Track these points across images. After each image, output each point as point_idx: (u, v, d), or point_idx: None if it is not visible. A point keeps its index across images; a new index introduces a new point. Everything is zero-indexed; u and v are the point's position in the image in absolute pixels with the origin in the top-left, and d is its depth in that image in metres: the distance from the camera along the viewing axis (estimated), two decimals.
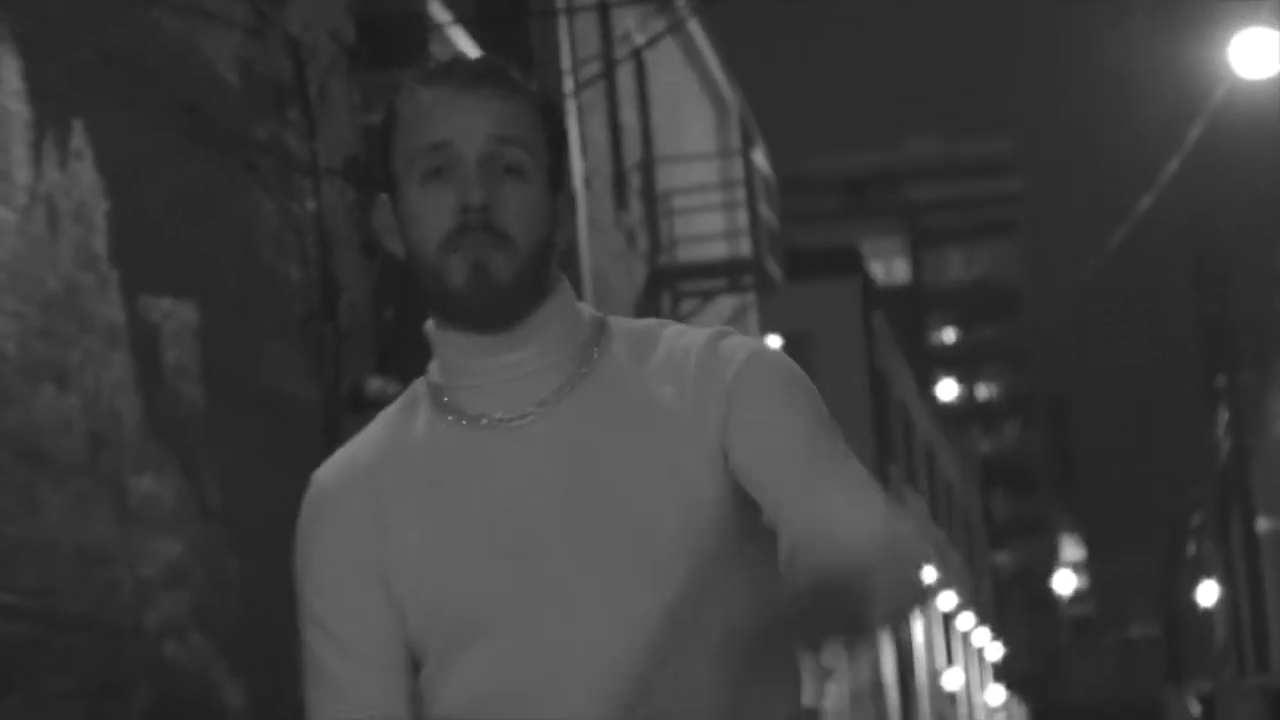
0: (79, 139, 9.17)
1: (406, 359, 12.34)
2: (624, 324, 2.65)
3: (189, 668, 9.62)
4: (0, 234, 8.43)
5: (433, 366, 2.66)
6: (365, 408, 11.88)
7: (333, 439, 11.66)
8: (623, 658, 2.52)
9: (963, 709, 61.52)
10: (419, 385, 2.68)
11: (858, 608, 2.46)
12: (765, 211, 21.84)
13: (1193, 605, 60.25)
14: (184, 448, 9.80)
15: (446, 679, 2.60)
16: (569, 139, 2.59)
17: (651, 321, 2.67)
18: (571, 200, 2.64)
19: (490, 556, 2.54)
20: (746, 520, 2.59)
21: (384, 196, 2.58)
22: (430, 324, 2.64)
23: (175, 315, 9.94)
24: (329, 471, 2.70)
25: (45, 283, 8.75)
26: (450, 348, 2.60)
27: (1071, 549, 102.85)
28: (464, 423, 2.59)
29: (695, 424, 2.57)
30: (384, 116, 2.58)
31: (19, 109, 8.66)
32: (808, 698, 2.72)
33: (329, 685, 2.72)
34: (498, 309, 2.54)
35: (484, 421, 2.58)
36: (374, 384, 11.97)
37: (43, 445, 8.55)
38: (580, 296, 2.96)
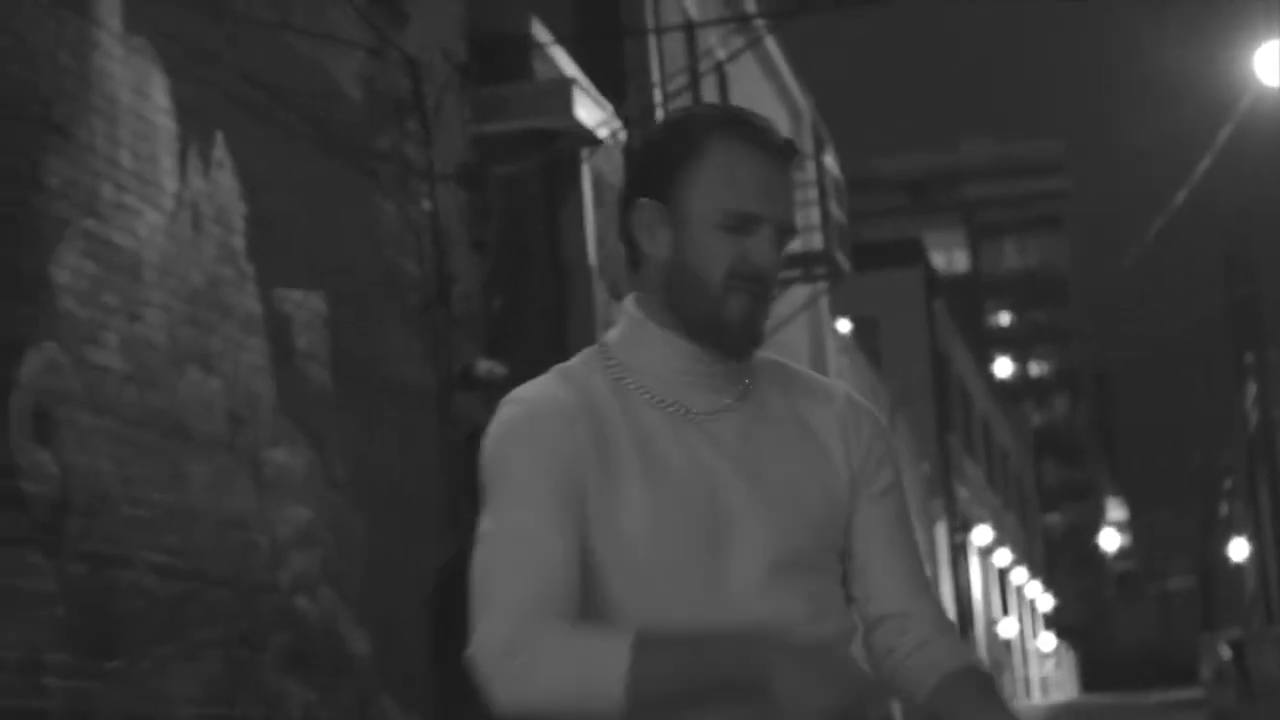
0: (220, 150, 9.21)
1: (512, 343, 12.35)
2: (758, 357, 2.84)
3: (319, 620, 9.65)
4: (150, 235, 8.47)
5: (613, 339, 2.79)
6: (474, 387, 11.90)
7: (445, 415, 11.69)
8: (771, 616, 2.70)
9: (1017, 655, 61.21)
10: (590, 357, 2.78)
11: None
12: (835, 209, 21.75)
13: (1225, 560, 59.79)
14: (313, 425, 9.82)
15: (634, 616, 2.67)
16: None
17: (773, 356, 2.90)
18: None
19: (690, 517, 2.69)
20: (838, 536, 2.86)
21: (648, 201, 2.71)
22: (639, 310, 2.77)
23: (306, 306, 9.97)
24: (534, 395, 2.73)
25: (190, 278, 8.78)
26: (665, 345, 2.76)
27: (1116, 510, 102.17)
28: (665, 408, 2.74)
29: (838, 449, 2.83)
30: (677, 136, 2.71)
31: (167, 124, 8.70)
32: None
33: (513, 566, 2.66)
34: (747, 349, 2.75)
35: (681, 411, 2.74)
36: (483, 365, 11.98)
37: (188, 423, 8.59)
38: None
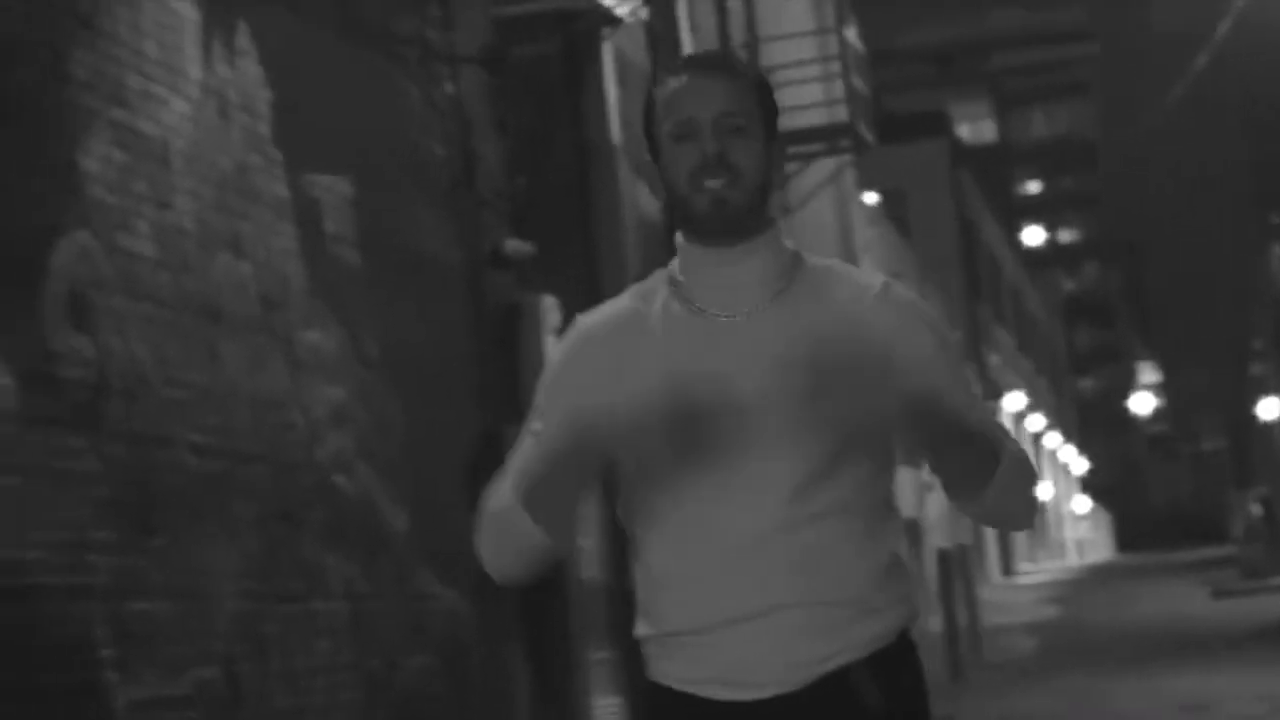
0: (243, 38, 9.25)
1: (538, 222, 12.41)
2: (813, 258, 3.22)
3: (356, 496, 9.78)
4: (177, 123, 8.53)
5: (674, 264, 3.22)
6: (503, 266, 11.98)
7: (475, 294, 11.77)
8: (790, 490, 3.08)
9: (1053, 518, 61.39)
10: (661, 273, 3.24)
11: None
12: (858, 82, 21.68)
13: (1255, 419, 59.75)
14: (344, 305, 9.91)
15: (660, 497, 3.15)
16: (777, 107, 3.25)
17: (833, 260, 3.26)
18: (782, 150, 3.24)
19: (703, 407, 3.07)
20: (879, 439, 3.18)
21: (651, 161, 3.19)
22: (679, 236, 3.21)
23: (333, 190, 10.03)
24: (588, 323, 3.25)
25: (218, 165, 8.85)
26: (691, 257, 3.18)
27: (1148, 373, 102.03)
28: (696, 312, 3.15)
29: (872, 339, 3.10)
30: (646, 101, 3.21)
31: (190, 12, 8.74)
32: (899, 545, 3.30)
33: (522, 462, 3.18)
34: (730, 228, 3.13)
35: (710, 313, 3.14)
36: (511, 244, 12.05)
37: (221, 306, 8.68)
38: None
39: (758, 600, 3.07)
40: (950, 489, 3.24)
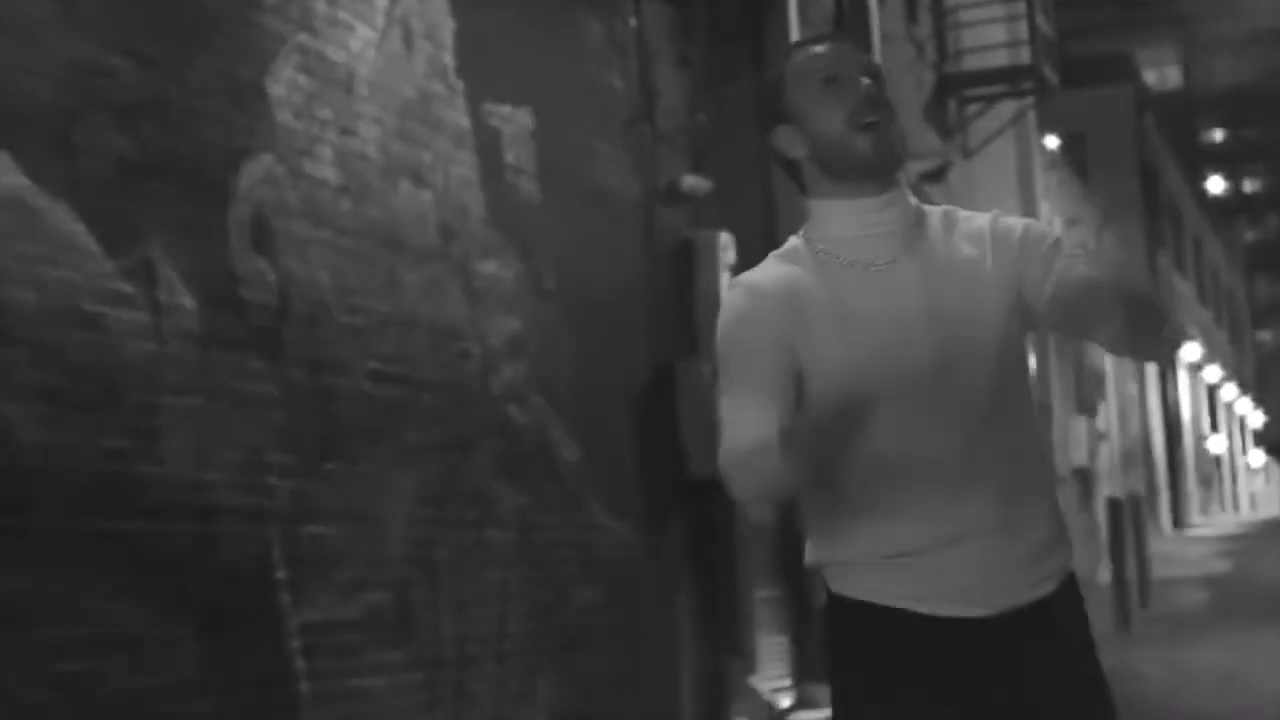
0: None
1: (717, 159, 12.36)
2: (928, 207, 3.41)
3: (529, 426, 9.81)
4: (363, 50, 8.57)
5: (806, 229, 3.39)
6: (680, 201, 11.94)
7: (651, 229, 11.74)
8: (961, 422, 3.27)
9: (1226, 470, 60.58)
10: (794, 241, 3.39)
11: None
12: (1043, 23, 21.38)
13: None
14: (522, 237, 9.93)
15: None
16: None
17: (944, 206, 3.45)
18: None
19: (882, 348, 3.25)
20: (1023, 352, 3.37)
21: (779, 126, 3.36)
22: (812, 200, 3.38)
23: (514, 120, 10.04)
24: (754, 280, 3.37)
25: (401, 92, 8.88)
26: (829, 213, 3.34)
27: None
28: (846, 264, 3.30)
29: (996, 273, 3.31)
30: (773, 79, 3.40)
31: None
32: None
33: (741, 417, 3.26)
34: (892, 165, 3.33)
35: (861, 262, 3.30)
36: (689, 180, 12.00)
37: (401, 234, 8.73)
38: None
39: (961, 525, 3.26)
40: (1103, 342, 3.33)
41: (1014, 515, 3.30)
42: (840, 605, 3.37)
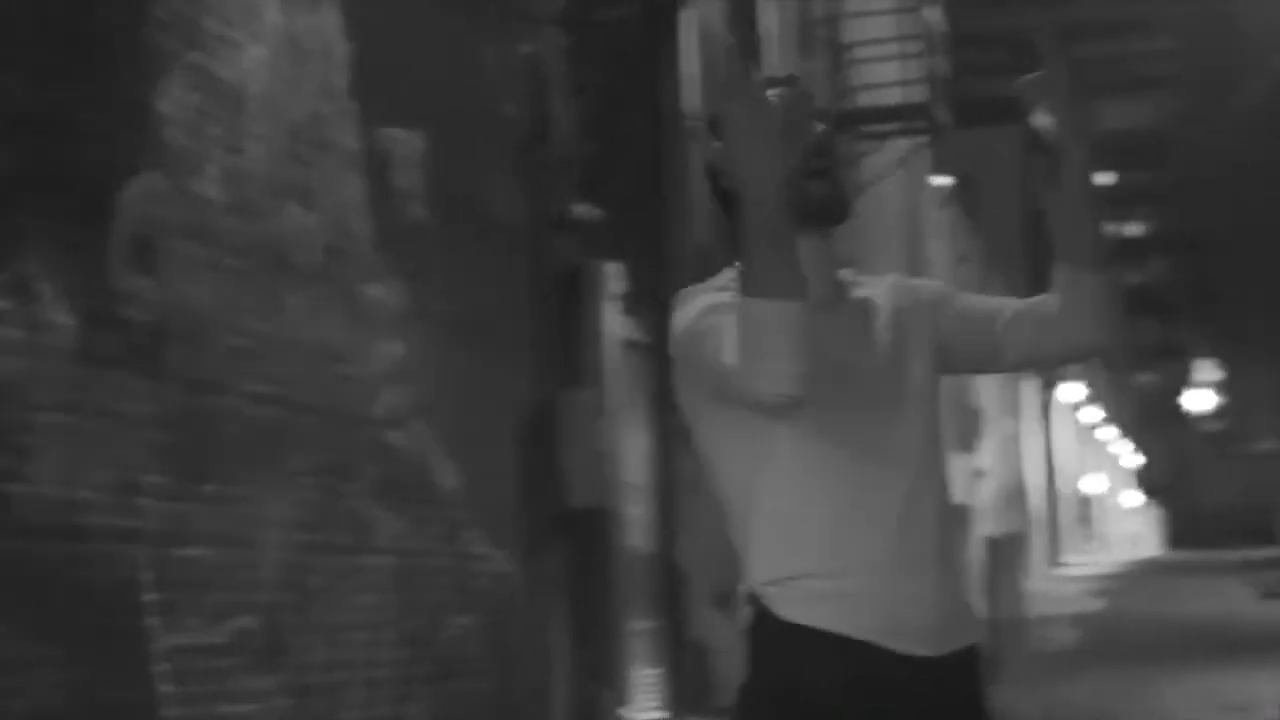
0: None
1: (607, 188, 12.32)
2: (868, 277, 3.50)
3: (409, 452, 9.73)
4: (253, 68, 8.48)
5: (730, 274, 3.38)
6: (570, 229, 11.90)
7: (540, 256, 11.70)
8: (918, 455, 3.33)
9: (1102, 511, 61.15)
10: (730, 274, 3.33)
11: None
12: (938, 63, 21.51)
13: None
14: (409, 261, 9.86)
15: (789, 443, 3.26)
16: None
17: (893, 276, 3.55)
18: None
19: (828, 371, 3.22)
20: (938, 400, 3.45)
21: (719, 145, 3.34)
22: None
23: (404, 143, 9.98)
24: (704, 290, 3.37)
25: (291, 112, 8.80)
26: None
27: (1206, 371, 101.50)
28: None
29: (922, 324, 3.40)
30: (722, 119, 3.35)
31: None
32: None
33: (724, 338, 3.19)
34: (841, 217, 3.38)
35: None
36: (579, 209, 11.97)
37: (287, 255, 8.64)
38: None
39: (906, 558, 3.25)
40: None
41: (950, 554, 3.35)
42: (782, 629, 3.28)
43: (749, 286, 3.03)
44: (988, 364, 3.46)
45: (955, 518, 3.44)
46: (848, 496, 3.27)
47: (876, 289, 3.45)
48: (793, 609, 3.27)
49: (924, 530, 3.29)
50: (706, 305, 3.29)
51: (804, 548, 3.27)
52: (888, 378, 3.33)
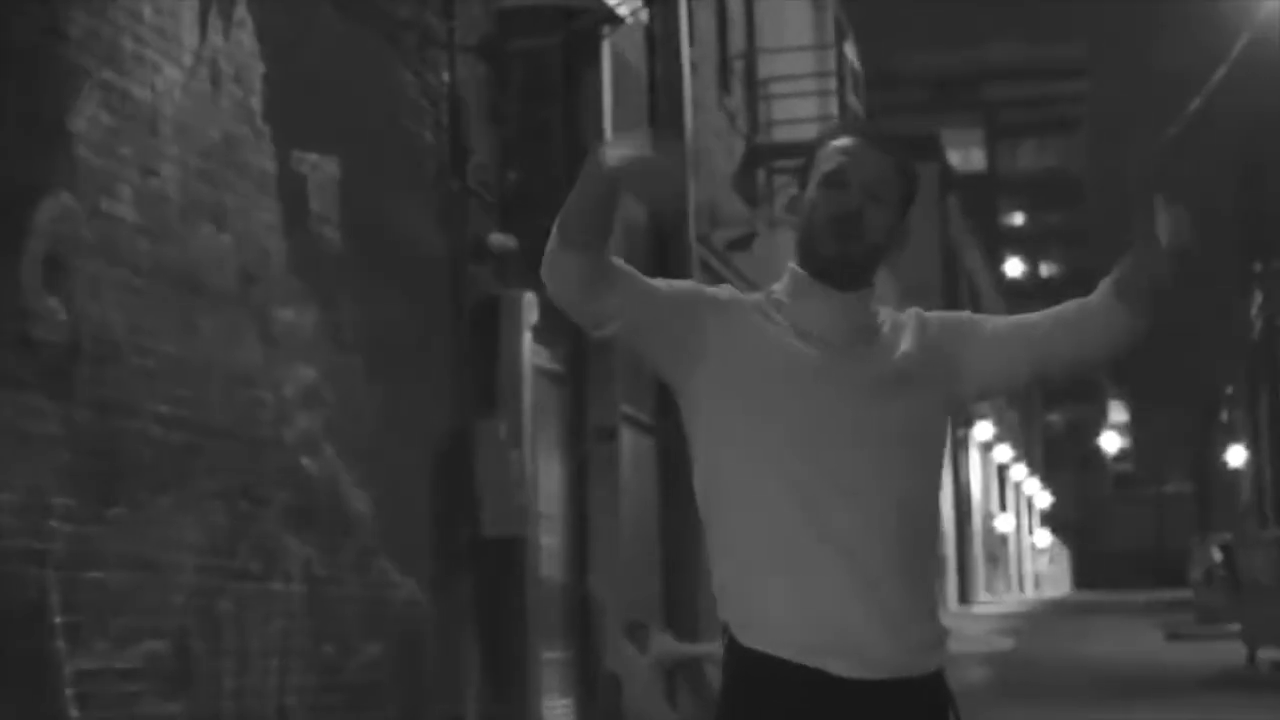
0: (241, 10, 9.15)
1: (525, 218, 12.30)
2: (892, 311, 3.57)
3: (321, 478, 9.67)
4: (168, 89, 8.43)
5: (779, 286, 3.52)
6: (487, 258, 11.88)
7: (456, 284, 11.67)
8: (896, 501, 3.38)
9: (1012, 550, 61.45)
10: (763, 294, 3.52)
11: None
12: (853, 100, 21.65)
13: (1222, 466, 59.85)
14: (323, 286, 9.81)
15: (759, 483, 3.37)
16: (917, 187, 3.63)
17: (915, 309, 3.62)
18: (908, 227, 3.57)
19: (788, 414, 3.38)
20: (944, 436, 3.56)
21: (797, 191, 3.53)
22: (793, 263, 3.52)
23: (320, 168, 9.94)
24: (730, 290, 3.54)
25: (206, 134, 8.75)
26: (801, 284, 3.48)
27: (1117, 412, 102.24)
28: (801, 334, 3.43)
29: (933, 376, 3.48)
30: (811, 146, 3.56)
31: None
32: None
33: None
34: (847, 278, 3.46)
35: (814, 337, 3.43)
36: (496, 238, 11.95)
37: (199, 277, 8.58)
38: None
39: (862, 585, 3.32)
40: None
41: (921, 588, 3.42)
42: (746, 656, 3.37)
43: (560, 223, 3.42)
44: (1032, 376, 3.62)
45: (926, 547, 3.47)
46: (803, 527, 3.34)
47: (899, 327, 3.55)
48: (753, 636, 3.37)
49: (884, 559, 3.35)
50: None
51: (761, 577, 3.36)
52: (872, 416, 3.40)
